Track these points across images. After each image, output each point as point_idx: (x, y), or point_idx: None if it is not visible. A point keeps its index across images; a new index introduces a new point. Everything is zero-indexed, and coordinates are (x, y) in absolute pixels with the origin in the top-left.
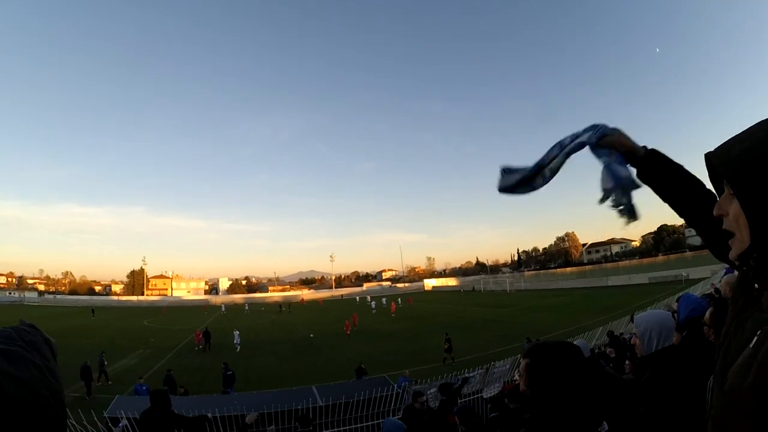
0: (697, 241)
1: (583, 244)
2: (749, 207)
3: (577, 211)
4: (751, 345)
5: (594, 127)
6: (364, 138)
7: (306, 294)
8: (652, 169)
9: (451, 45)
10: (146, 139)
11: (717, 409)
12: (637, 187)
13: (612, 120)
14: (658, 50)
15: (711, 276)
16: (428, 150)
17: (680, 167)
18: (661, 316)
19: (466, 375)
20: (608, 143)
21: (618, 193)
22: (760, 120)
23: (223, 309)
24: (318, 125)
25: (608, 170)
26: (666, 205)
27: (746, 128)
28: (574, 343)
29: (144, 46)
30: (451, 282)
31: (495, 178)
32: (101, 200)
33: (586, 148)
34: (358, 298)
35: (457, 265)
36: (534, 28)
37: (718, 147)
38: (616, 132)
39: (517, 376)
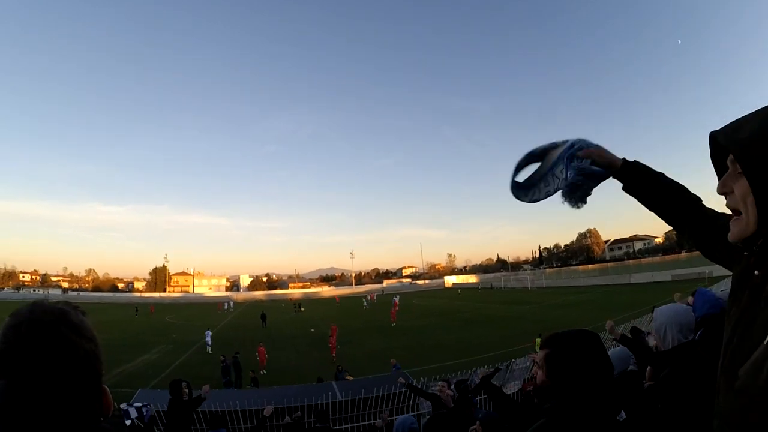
0: None
1: (606, 241)
2: (759, 186)
3: (599, 206)
4: (765, 342)
5: (576, 142)
6: (385, 133)
7: (326, 291)
8: (634, 180)
9: (471, 38)
10: (168, 138)
11: (727, 408)
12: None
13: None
14: (680, 42)
15: None
16: (450, 145)
17: (661, 175)
18: (679, 310)
19: (486, 371)
20: (587, 155)
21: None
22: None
23: (225, 306)
24: (339, 121)
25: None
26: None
27: (754, 110)
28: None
29: (168, 45)
30: (472, 279)
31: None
32: (126, 198)
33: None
34: (363, 299)
35: (478, 262)
36: (554, 19)
37: (724, 127)
38: (596, 147)
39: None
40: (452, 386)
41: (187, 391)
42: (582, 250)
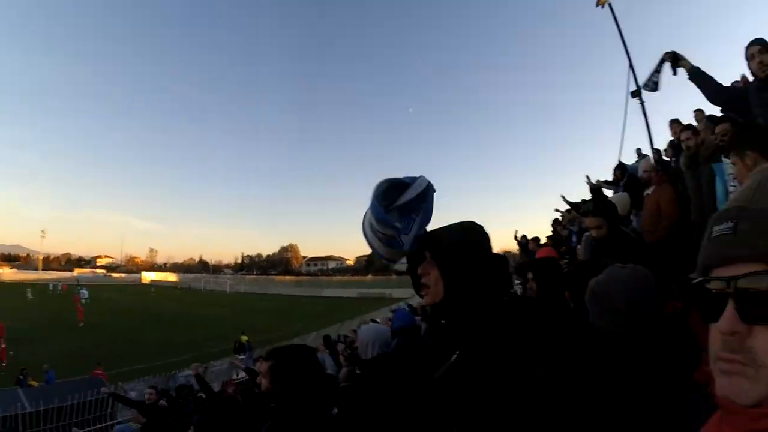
0: (402, 267)
1: (304, 257)
2: (448, 277)
3: (304, 225)
4: (451, 359)
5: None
6: (121, 102)
7: (8, 273)
8: None
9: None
10: None
11: (431, 398)
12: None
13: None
14: (411, 110)
15: (411, 297)
16: (193, 128)
17: None
18: (379, 330)
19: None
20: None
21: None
22: (464, 220)
23: None
24: (70, 70)
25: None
26: None
27: (452, 223)
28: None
29: None
30: (171, 277)
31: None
32: None
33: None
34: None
35: (180, 261)
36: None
37: (435, 231)
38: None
39: (236, 375)
40: (159, 391)
41: None
42: (282, 262)
